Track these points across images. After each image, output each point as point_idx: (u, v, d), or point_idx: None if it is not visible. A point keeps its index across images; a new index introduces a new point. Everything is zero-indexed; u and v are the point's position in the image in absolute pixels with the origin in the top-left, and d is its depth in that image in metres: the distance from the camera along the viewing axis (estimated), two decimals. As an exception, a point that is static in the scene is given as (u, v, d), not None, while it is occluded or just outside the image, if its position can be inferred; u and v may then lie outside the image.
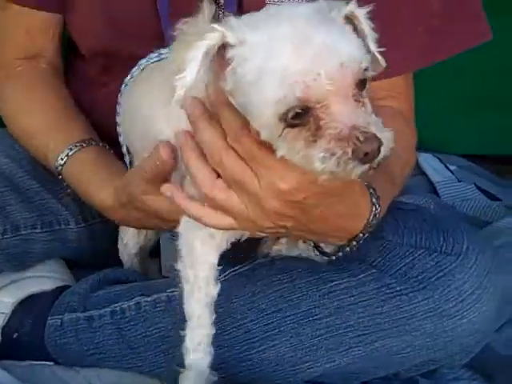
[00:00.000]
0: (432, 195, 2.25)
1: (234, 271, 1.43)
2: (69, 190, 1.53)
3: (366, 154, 1.02)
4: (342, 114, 1.03)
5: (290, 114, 1.03)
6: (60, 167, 1.48)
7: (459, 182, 2.34)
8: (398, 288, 1.33)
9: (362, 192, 1.22)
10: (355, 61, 1.04)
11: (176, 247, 1.29)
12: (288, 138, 1.05)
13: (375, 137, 1.03)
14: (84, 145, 1.48)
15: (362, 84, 1.06)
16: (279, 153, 1.07)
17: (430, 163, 2.41)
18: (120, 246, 1.60)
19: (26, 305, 1.57)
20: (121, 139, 1.44)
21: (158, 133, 1.27)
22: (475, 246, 1.35)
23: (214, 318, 1.29)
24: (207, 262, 1.27)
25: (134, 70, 1.38)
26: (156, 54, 1.35)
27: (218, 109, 1.13)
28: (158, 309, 1.45)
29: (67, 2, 1.57)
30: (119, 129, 1.44)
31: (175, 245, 1.28)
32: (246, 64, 1.06)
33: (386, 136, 1.05)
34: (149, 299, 1.46)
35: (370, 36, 1.12)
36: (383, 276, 1.34)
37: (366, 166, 1.04)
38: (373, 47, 1.12)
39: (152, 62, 1.36)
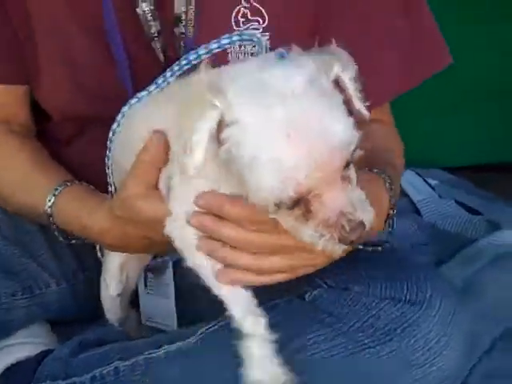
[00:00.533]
0: (414, 215, 2.27)
1: (207, 329, 1.44)
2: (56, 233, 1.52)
3: (352, 242, 1.11)
4: (331, 201, 1.09)
5: (283, 204, 1.09)
6: (49, 209, 1.48)
7: (440, 197, 2.36)
8: (365, 341, 1.34)
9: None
10: (346, 144, 1.08)
11: (152, 300, 1.31)
12: (280, 214, 1.12)
13: (360, 224, 1.10)
14: (68, 184, 1.49)
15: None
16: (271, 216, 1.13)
17: (410, 181, 2.42)
18: (102, 288, 1.60)
19: (10, 373, 1.59)
20: (109, 179, 1.44)
21: None
22: (438, 292, 1.35)
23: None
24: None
25: (125, 108, 1.37)
26: (146, 92, 1.34)
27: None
28: (136, 373, 1.46)
29: (30, 73, 1.58)
30: (108, 170, 1.44)
31: (151, 297, 1.27)
32: (239, 148, 1.09)
33: (369, 217, 1.12)
34: (127, 363, 1.47)
35: (355, 96, 1.16)
36: (351, 329, 1.35)
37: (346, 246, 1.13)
38: (358, 106, 1.17)
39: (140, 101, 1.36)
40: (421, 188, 2.40)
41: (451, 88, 2.55)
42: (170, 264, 1.60)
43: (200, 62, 1.25)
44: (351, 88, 1.16)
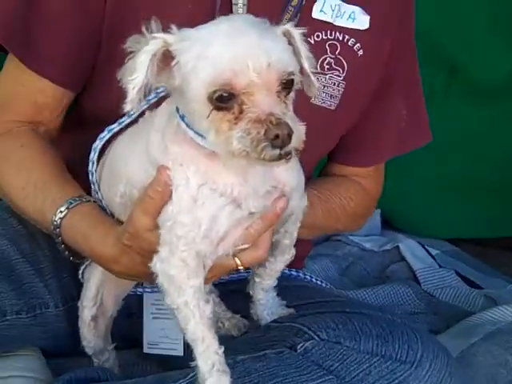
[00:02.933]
0: (412, 282, 2.28)
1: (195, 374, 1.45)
2: (62, 246, 1.54)
3: (277, 136, 1.17)
4: (263, 102, 1.19)
5: (216, 95, 1.19)
6: (59, 220, 1.50)
7: (440, 267, 2.36)
8: None
9: None
10: (283, 63, 1.21)
11: (160, 324, 1.36)
12: (214, 120, 1.20)
13: (287, 124, 1.18)
14: (84, 200, 1.52)
15: (287, 88, 1.21)
16: (209, 138, 1.22)
17: (411, 250, 2.44)
18: (79, 312, 1.61)
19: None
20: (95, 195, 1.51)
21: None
22: (429, 352, 1.36)
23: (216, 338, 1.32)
24: (191, 286, 1.31)
25: (103, 135, 1.47)
26: (125, 118, 1.43)
27: None
28: None
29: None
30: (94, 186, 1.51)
31: (159, 321, 1.30)
32: (187, 53, 1.22)
33: (298, 128, 1.20)
34: None
35: (305, 55, 1.28)
36: (341, 383, 1.36)
37: (277, 151, 1.18)
38: (306, 66, 1.29)
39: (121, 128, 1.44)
40: (421, 256, 2.41)
41: (455, 163, 2.61)
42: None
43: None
44: (302, 47, 1.28)
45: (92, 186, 1.52)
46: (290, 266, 1.77)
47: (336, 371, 1.37)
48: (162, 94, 1.39)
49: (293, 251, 1.49)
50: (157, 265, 1.33)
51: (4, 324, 1.60)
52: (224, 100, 1.19)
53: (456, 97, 2.41)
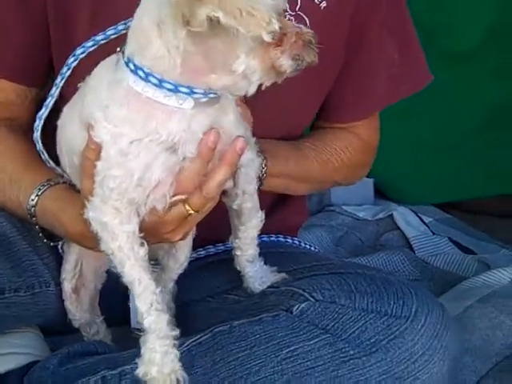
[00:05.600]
0: (406, 250, 2.28)
1: (193, 341, 1.45)
2: (40, 234, 1.55)
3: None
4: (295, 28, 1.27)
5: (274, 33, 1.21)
6: (32, 208, 1.51)
7: (434, 234, 2.37)
8: (351, 352, 1.35)
9: None
10: None
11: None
12: (264, 48, 1.24)
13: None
14: (52, 183, 1.51)
15: None
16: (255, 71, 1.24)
17: (405, 217, 2.44)
18: (62, 287, 1.62)
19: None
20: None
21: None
22: (424, 307, 1.37)
23: (153, 279, 1.34)
24: (124, 231, 1.33)
25: (71, 60, 1.43)
26: (92, 42, 1.41)
27: None
28: (123, 382, 1.47)
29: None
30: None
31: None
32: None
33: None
34: (114, 372, 1.48)
35: None
36: (337, 340, 1.37)
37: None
38: None
39: (87, 52, 1.41)
40: (415, 224, 2.42)
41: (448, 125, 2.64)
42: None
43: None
44: None
45: (42, 156, 1.51)
46: (284, 233, 1.80)
47: (332, 330, 1.38)
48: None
49: (260, 214, 1.48)
50: (89, 213, 1.34)
51: (3, 302, 1.59)
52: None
53: (434, 60, 2.44)
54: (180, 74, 1.25)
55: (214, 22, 1.17)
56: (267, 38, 1.18)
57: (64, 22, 1.58)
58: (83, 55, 1.41)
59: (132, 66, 1.27)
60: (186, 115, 1.28)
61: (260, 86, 1.27)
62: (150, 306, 1.33)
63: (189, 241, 1.53)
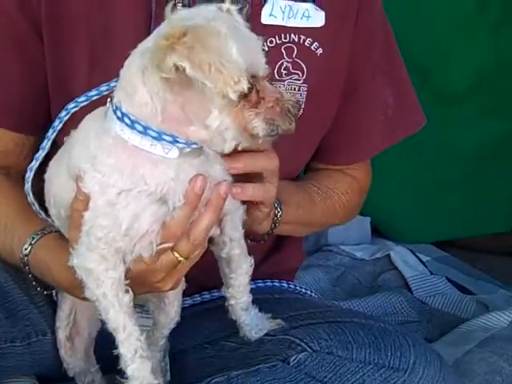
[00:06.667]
0: (403, 291, 2.28)
1: None
2: (33, 282, 1.54)
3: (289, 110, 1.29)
4: (271, 87, 1.30)
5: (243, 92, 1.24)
6: (25, 257, 1.50)
7: (431, 274, 2.37)
8: None
9: None
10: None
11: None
12: (241, 107, 1.25)
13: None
14: (46, 232, 1.51)
15: None
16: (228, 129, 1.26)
17: (402, 257, 2.44)
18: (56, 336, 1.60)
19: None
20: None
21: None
22: (422, 359, 1.36)
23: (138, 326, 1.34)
24: (109, 278, 1.32)
25: (63, 114, 1.43)
26: (84, 98, 1.41)
27: None
28: None
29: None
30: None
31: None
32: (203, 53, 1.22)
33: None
34: None
35: None
36: None
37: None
38: None
39: (79, 107, 1.41)
40: (413, 264, 2.42)
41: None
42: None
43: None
44: None
45: (33, 208, 1.50)
46: (281, 278, 1.80)
47: (330, 382, 1.36)
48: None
49: (249, 260, 1.47)
50: (74, 260, 1.33)
51: None
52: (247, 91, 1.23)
53: (427, 101, 2.46)
54: (162, 122, 1.26)
55: (184, 72, 1.19)
56: (233, 96, 1.20)
57: (62, 72, 1.59)
58: (75, 109, 1.41)
59: (119, 114, 1.28)
60: (172, 165, 1.29)
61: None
62: (134, 353, 1.33)
63: (179, 295, 1.52)
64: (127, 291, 1.34)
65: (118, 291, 1.33)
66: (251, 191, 1.41)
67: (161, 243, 1.33)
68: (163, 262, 1.35)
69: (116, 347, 1.40)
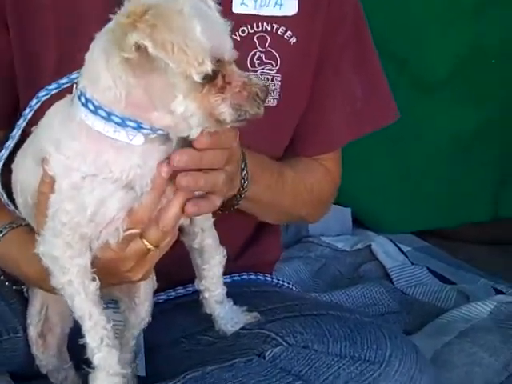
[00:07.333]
0: (384, 282, 2.27)
1: None
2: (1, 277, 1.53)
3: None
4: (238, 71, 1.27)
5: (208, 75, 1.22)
6: None
7: (412, 265, 2.36)
8: None
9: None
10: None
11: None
12: (205, 92, 1.24)
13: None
14: (14, 225, 1.49)
15: None
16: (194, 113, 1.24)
17: (383, 248, 2.43)
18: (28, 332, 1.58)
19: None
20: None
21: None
22: (398, 351, 1.35)
23: (105, 314, 1.33)
24: (75, 265, 1.31)
25: (34, 102, 1.39)
26: (55, 85, 1.38)
27: None
28: None
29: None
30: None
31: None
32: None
33: None
34: None
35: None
36: None
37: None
38: None
39: (50, 95, 1.38)
40: (393, 254, 2.41)
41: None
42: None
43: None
44: None
45: (1, 198, 1.47)
46: (258, 270, 1.78)
47: (305, 376, 1.35)
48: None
49: (222, 250, 1.45)
50: (40, 247, 1.32)
51: None
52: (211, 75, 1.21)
53: (405, 89, 2.45)
54: (125, 108, 1.24)
55: (146, 53, 1.16)
56: (197, 77, 1.17)
57: (30, 63, 1.56)
58: (46, 97, 1.38)
59: (83, 100, 1.26)
60: (137, 151, 1.26)
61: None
62: (100, 342, 1.31)
63: (149, 295, 1.50)
64: (94, 279, 1.32)
65: (83, 279, 1.31)
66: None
67: (128, 229, 1.31)
68: (132, 249, 1.34)
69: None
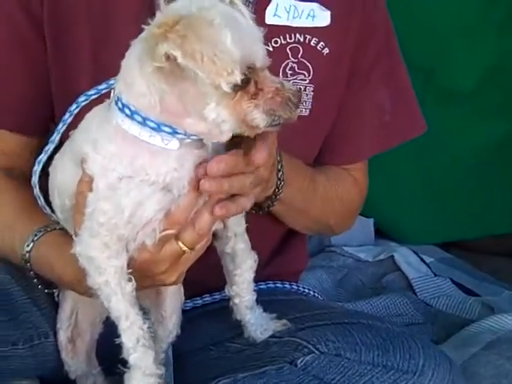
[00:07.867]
0: (408, 293, 2.26)
1: None
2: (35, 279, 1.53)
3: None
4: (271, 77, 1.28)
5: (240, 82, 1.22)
6: (27, 254, 1.49)
7: (435, 276, 2.35)
8: None
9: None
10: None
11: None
12: (238, 98, 1.24)
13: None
14: (48, 229, 1.50)
15: None
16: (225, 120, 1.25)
17: (405, 259, 2.42)
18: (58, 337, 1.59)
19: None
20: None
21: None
22: (431, 361, 1.34)
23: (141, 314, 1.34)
24: (111, 266, 1.32)
25: (73, 107, 1.41)
26: (94, 91, 1.40)
27: None
28: None
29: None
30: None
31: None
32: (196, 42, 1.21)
33: None
34: None
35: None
36: None
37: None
38: None
39: (90, 100, 1.40)
40: (416, 265, 2.40)
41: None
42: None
43: None
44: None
45: (38, 202, 1.48)
46: (284, 279, 1.78)
47: (338, 385, 1.35)
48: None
49: (253, 255, 1.46)
50: (77, 248, 1.33)
51: (1, 356, 1.54)
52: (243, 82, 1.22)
53: (432, 100, 2.44)
54: (160, 113, 1.26)
55: (177, 62, 1.18)
56: (226, 87, 1.18)
57: (66, 72, 1.58)
58: (85, 102, 1.40)
59: (120, 105, 1.28)
60: (173, 155, 1.28)
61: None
62: (136, 342, 1.32)
63: (177, 308, 1.52)
64: (130, 280, 1.33)
65: (120, 279, 1.32)
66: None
67: (164, 230, 1.32)
68: (167, 251, 1.34)
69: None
